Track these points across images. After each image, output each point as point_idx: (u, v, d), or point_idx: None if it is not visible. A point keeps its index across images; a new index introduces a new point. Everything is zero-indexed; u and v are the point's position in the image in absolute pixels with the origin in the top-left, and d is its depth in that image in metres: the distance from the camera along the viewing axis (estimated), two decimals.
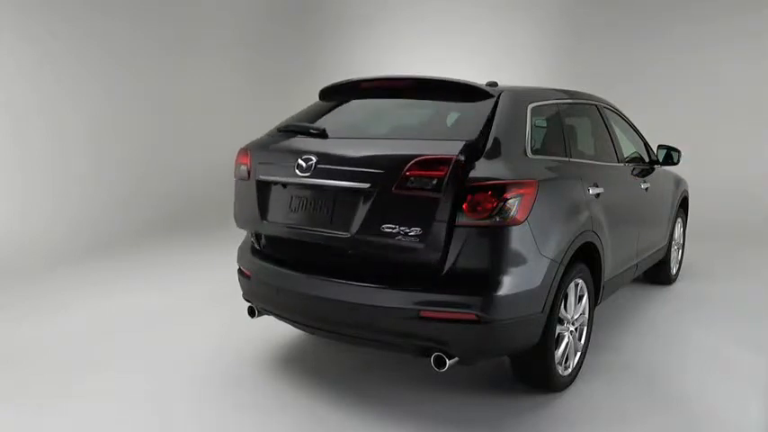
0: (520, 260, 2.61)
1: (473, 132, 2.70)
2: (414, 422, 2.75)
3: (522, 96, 3.04)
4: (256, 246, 3.25)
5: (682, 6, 8.15)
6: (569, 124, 3.52)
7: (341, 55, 9.69)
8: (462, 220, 2.55)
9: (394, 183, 2.55)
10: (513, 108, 2.91)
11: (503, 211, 2.55)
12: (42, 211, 6.33)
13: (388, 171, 2.58)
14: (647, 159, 4.52)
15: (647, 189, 4.23)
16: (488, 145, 2.71)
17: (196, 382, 3.14)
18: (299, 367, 3.35)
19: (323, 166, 2.76)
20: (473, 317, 2.50)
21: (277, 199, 2.99)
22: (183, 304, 4.42)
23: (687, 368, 3.39)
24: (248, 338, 3.70)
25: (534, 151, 2.94)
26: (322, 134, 2.97)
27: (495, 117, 2.81)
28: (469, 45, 8.83)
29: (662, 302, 4.61)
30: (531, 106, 3.03)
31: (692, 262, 5.70)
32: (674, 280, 5.17)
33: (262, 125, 6.63)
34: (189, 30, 8.39)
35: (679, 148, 4.53)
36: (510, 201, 2.56)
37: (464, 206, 2.55)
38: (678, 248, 5.26)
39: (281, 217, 2.95)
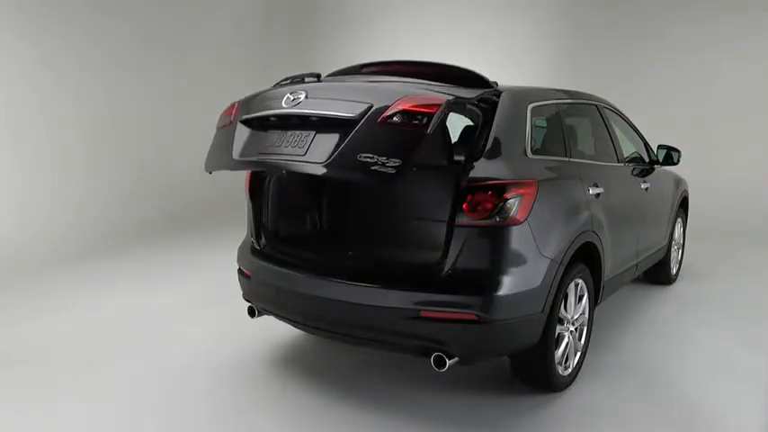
0: (520, 260, 2.61)
1: (467, 95, 2.70)
2: (414, 422, 2.75)
3: (522, 96, 3.05)
4: (256, 246, 3.25)
5: (682, 6, 8.15)
6: (569, 124, 3.53)
7: (341, 55, 9.67)
8: (462, 219, 2.56)
9: (381, 114, 2.42)
10: (513, 108, 2.91)
11: (503, 210, 2.55)
12: (42, 211, 6.32)
13: (378, 103, 2.47)
14: (647, 159, 4.52)
15: (647, 189, 4.23)
16: (488, 145, 2.71)
17: (195, 383, 3.14)
18: (299, 367, 3.35)
19: (312, 99, 2.66)
20: (473, 317, 2.50)
21: (255, 135, 2.82)
22: (182, 304, 4.41)
23: (687, 368, 3.39)
24: (248, 338, 3.70)
25: (534, 151, 2.94)
26: (317, 78, 2.94)
27: (495, 117, 2.82)
28: (469, 45, 8.83)
29: (662, 302, 4.61)
30: (531, 106, 3.04)
31: (692, 262, 5.70)
32: (674, 280, 5.17)
33: None
34: (189, 30, 8.38)
35: (679, 148, 4.53)
36: (510, 201, 2.56)
37: (464, 206, 2.55)
38: (678, 248, 5.26)
39: (254, 152, 2.76)
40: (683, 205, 5.29)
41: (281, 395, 3.02)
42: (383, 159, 2.32)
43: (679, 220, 5.15)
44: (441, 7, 9.19)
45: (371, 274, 2.73)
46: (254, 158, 2.75)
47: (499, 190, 2.56)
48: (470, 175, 2.59)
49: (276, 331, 3.76)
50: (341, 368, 3.34)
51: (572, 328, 3.08)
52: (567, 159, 3.23)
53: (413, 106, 2.41)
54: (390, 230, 3.52)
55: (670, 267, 5.02)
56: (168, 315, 4.18)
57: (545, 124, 3.34)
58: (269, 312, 3.12)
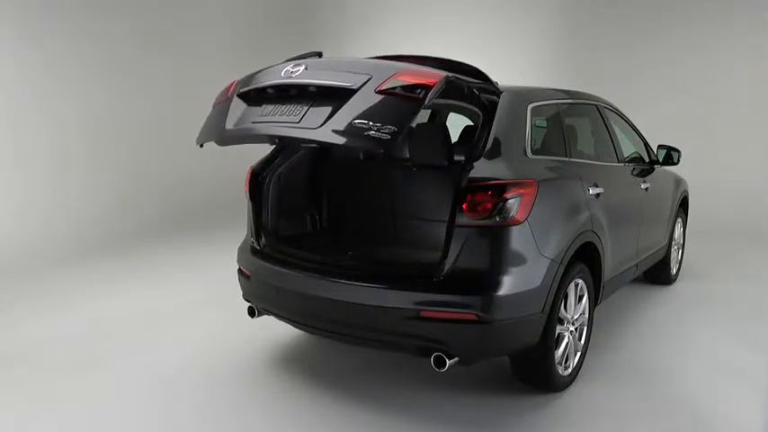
0: (520, 260, 2.61)
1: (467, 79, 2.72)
2: (414, 422, 2.75)
3: (522, 96, 3.05)
4: (256, 246, 3.25)
5: (682, 6, 8.15)
6: (569, 124, 3.53)
7: (341, 55, 9.69)
8: (462, 220, 2.56)
9: (379, 84, 2.40)
10: (513, 108, 2.91)
11: (503, 210, 2.55)
12: (42, 212, 6.32)
13: (377, 74, 2.45)
14: (647, 159, 4.52)
15: (647, 189, 4.23)
16: (488, 145, 2.72)
17: (195, 383, 3.14)
18: (299, 367, 3.35)
19: (311, 70, 2.62)
20: (473, 317, 2.50)
21: (250, 108, 2.76)
22: (182, 304, 4.41)
23: (687, 368, 3.39)
24: (248, 338, 3.70)
25: (534, 151, 2.95)
26: (318, 56, 2.92)
27: (495, 117, 2.82)
28: (469, 45, 8.83)
29: (662, 302, 4.61)
30: (531, 106, 3.04)
31: (692, 262, 5.70)
32: (674, 280, 5.17)
33: None
34: (189, 30, 8.38)
35: (679, 148, 4.53)
36: (510, 201, 2.56)
37: (464, 206, 2.55)
38: (678, 248, 5.26)
39: (247, 122, 2.71)
40: (683, 205, 5.29)
41: (280, 395, 3.02)
42: (378, 125, 2.28)
43: (679, 220, 5.15)
44: (440, 7, 9.19)
45: (371, 275, 2.73)
46: (245, 127, 2.69)
47: (499, 190, 2.56)
48: (470, 175, 2.59)
49: (276, 331, 3.76)
50: (341, 368, 3.34)
51: (572, 328, 3.07)
52: (567, 159, 3.23)
53: (412, 78, 2.41)
54: (390, 230, 3.53)
55: (670, 267, 5.01)
56: (168, 315, 4.18)
57: (545, 124, 3.34)
58: (269, 312, 3.12)
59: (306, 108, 2.52)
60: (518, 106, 2.96)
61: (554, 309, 2.80)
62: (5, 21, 6.15)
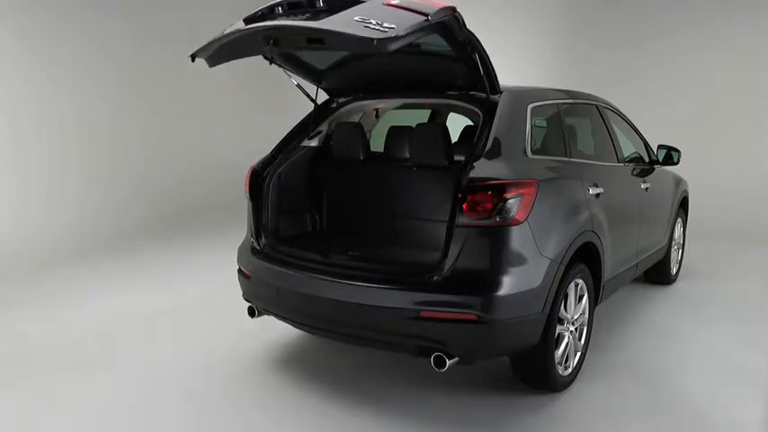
0: (520, 260, 2.61)
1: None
2: (414, 422, 2.75)
3: (522, 96, 3.05)
4: (256, 246, 3.25)
5: (682, 7, 8.15)
6: (569, 124, 3.53)
7: None
8: (462, 220, 2.56)
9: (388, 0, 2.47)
10: (513, 108, 2.91)
11: (503, 211, 2.55)
12: (42, 211, 6.32)
13: None
14: (647, 159, 4.52)
15: (647, 189, 4.23)
16: (488, 145, 2.72)
17: (195, 383, 3.14)
18: (299, 367, 3.35)
19: None
20: (473, 317, 2.50)
21: (255, 22, 2.73)
22: (182, 305, 4.41)
23: (687, 368, 3.39)
24: (248, 338, 3.70)
25: (534, 151, 2.95)
26: None
27: (495, 117, 2.83)
28: None
29: (662, 302, 4.61)
30: (531, 106, 3.04)
31: (692, 262, 5.70)
32: (674, 280, 5.17)
33: (260, 126, 6.61)
34: (188, 29, 8.37)
35: (679, 148, 4.53)
36: (510, 201, 2.57)
37: (464, 206, 2.55)
38: (678, 248, 5.26)
39: (250, 27, 2.70)
40: (683, 205, 5.29)
41: (280, 395, 3.02)
42: (380, 22, 2.31)
43: (679, 220, 5.15)
44: None
45: (371, 275, 2.73)
46: (249, 30, 2.67)
47: (499, 190, 2.56)
48: (470, 175, 2.59)
49: (276, 331, 3.76)
50: (341, 368, 3.34)
51: (572, 328, 3.08)
52: (567, 159, 3.23)
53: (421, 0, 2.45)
54: (390, 230, 3.53)
55: (670, 267, 5.01)
56: (168, 315, 4.19)
57: (545, 124, 3.35)
58: (269, 312, 3.13)
59: (310, 12, 2.54)
60: (518, 106, 2.96)
61: (554, 309, 2.80)
62: (3, 21, 6.15)
